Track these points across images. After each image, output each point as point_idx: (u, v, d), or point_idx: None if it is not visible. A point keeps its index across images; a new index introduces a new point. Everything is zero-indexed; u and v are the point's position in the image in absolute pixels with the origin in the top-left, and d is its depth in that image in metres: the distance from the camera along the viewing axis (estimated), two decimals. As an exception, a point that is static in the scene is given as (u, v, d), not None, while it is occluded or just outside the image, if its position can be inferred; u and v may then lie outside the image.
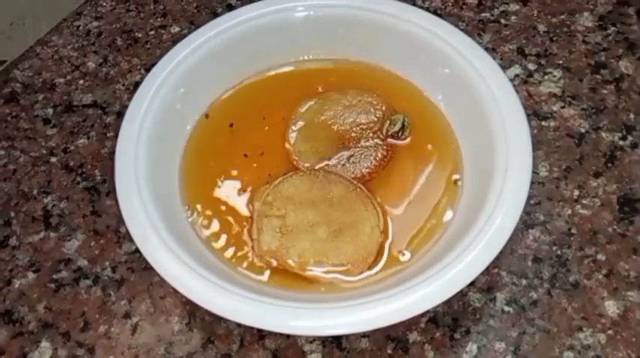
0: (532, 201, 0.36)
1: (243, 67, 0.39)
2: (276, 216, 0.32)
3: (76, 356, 0.32)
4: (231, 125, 0.37)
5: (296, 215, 0.32)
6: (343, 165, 0.35)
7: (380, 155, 0.35)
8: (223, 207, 0.34)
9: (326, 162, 0.35)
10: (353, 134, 0.36)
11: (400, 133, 0.36)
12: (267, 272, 0.32)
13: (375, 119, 0.36)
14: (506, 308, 0.32)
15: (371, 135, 0.36)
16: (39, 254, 0.36)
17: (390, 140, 0.36)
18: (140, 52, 0.44)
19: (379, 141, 0.36)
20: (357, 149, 0.36)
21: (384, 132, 0.36)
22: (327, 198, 0.33)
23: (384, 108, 0.37)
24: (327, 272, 0.31)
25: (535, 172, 0.37)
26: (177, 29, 0.45)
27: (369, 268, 0.32)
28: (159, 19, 0.46)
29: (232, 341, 0.32)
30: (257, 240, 0.32)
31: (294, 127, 0.37)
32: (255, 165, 0.36)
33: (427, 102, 0.37)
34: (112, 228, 0.36)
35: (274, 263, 0.32)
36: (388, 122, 0.36)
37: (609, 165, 0.37)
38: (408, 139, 0.36)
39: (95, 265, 0.35)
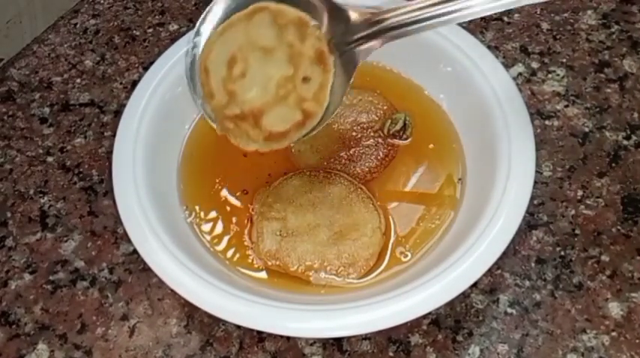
0: (535, 202, 0.35)
1: (243, 65, 0.38)
2: (276, 219, 0.32)
3: (73, 359, 0.32)
4: None
5: (296, 217, 0.32)
6: (344, 164, 0.35)
7: (381, 154, 0.35)
8: (222, 208, 0.34)
9: (326, 162, 0.35)
10: (353, 133, 0.36)
11: (401, 132, 0.35)
12: (267, 274, 0.32)
13: (376, 118, 0.36)
14: (509, 310, 0.32)
15: (372, 134, 0.36)
16: (35, 255, 0.35)
17: (391, 139, 0.36)
18: (138, 50, 0.43)
19: (380, 141, 0.35)
20: (358, 148, 0.35)
21: (385, 131, 0.36)
22: (328, 200, 0.33)
23: (385, 107, 0.36)
24: (328, 275, 0.31)
25: (538, 172, 0.36)
26: (175, 27, 0.45)
27: (371, 270, 0.31)
28: (157, 17, 0.45)
29: (231, 343, 0.32)
30: (257, 243, 0.32)
31: None
32: (254, 165, 0.35)
33: (429, 101, 0.37)
34: (110, 229, 0.36)
35: (274, 265, 0.31)
36: (389, 121, 0.36)
37: (613, 164, 0.37)
38: (410, 139, 0.36)
39: (92, 266, 0.35)
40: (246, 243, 0.33)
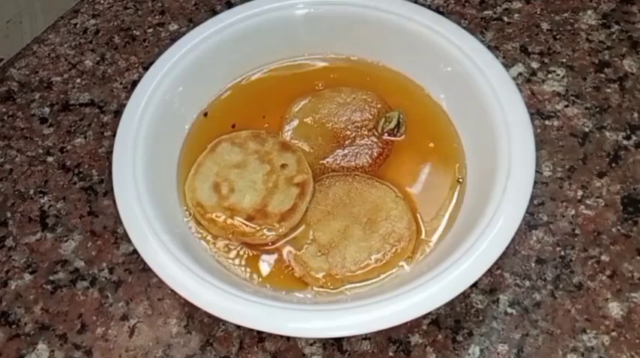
0: (535, 202, 0.35)
1: (242, 65, 0.38)
2: (308, 244, 0.32)
3: (73, 359, 0.32)
4: (233, 126, 0.37)
5: (323, 231, 0.32)
6: (338, 163, 0.35)
7: (375, 153, 0.35)
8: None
9: (321, 162, 0.35)
10: (348, 132, 0.36)
11: (396, 130, 0.35)
12: (266, 274, 0.32)
13: (370, 116, 0.36)
14: (509, 310, 0.32)
15: (366, 133, 0.36)
16: (35, 255, 0.35)
17: (385, 137, 0.36)
18: (138, 50, 0.43)
19: (374, 139, 0.35)
20: (353, 147, 0.35)
21: (380, 129, 0.36)
22: (337, 200, 0.33)
23: (379, 105, 0.36)
24: (387, 262, 0.31)
25: (538, 172, 0.36)
26: (175, 27, 0.45)
27: (419, 234, 0.32)
28: (157, 17, 0.45)
29: (231, 343, 0.32)
30: (308, 274, 0.31)
31: (288, 127, 0.36)
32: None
33: (429, 101, 0.37)
34: (110, 229, 0.36)
35: (337, 283, 0.31)
36: (383, 119, 0.36)
37: (613, 164, 0.37)
38: (404, 136, 0.36)
39: (92, 266, 0.35)
40: (245, 242, 0.33)
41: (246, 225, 0.32)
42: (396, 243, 0.31)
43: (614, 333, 0.31)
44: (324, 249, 0.31)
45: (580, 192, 0.36)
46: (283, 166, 0.34)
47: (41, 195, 0.38)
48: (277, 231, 0.32)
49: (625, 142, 0.37)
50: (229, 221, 0.32)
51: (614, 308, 0.32)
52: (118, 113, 0.40)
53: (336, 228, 0.32)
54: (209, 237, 0.33)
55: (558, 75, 0.40)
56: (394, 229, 0.31)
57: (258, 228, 0.32)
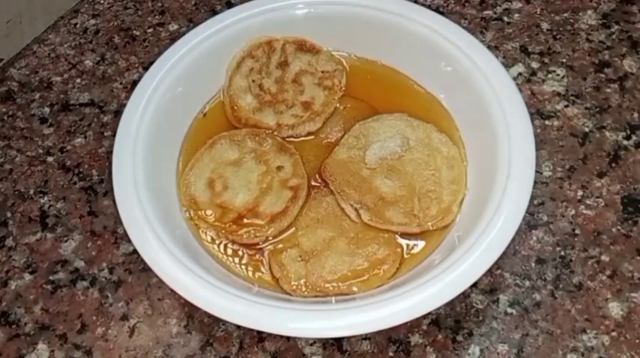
0: (535, 202, 0.35)
1: (243, 65, 0.38)
2: (290, 247, 0.32)
3: (73, 359, 0.32)
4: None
5: (308, 238, 0.32)
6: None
7: None
8: (222, 208, 0.34)
9: (317, 170, 0.34)
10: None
11: None
12: (267, 274, 0.32)
13: None
14: (509, 310, 0.32)
15: None
16: (35, 255, 0.35)
17: None
18: (138, 50, 0.43)
19: None
20: None
21: None
22: (329, 211, 0.33)
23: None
24: (365, 281, 0.30)
25: (538, 172, 0.36)
26: (175, 27, 0.45)
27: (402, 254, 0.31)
28: (157, 17, 0.45)
29: (231, 343, 0.32)
30: (284, 276, 0.31)
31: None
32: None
33: (429, 100, 0.37)
34: (110, 229, 0.36)
35: (312, 291, 0.30)
36: None
37: (613, 164, 0.37)
38: None
39: (92, 266, 0.35)
40: (245, 243, 0.33)
41: (235, 225, 0.32)
42: (378, 265, 0.31)
43: (614, 333, 0.31)
44: (305, 255, 0.31)
45: (580, 192, 0.36)
46: (279, 168, 0.33)
47: (41, 195, 0.38)
48: (266, 233, 0.32)
49: (625, 142, 0.37)
50: (218, 217, 0.32)
51: (614, 308, 0.32)
52: (118, 113, 0.40)
53: (321, 237, 0.32)
54: (209, 238, 0.33)
55: (558, 75, 0.40)
56: (379, 250, 0.31)
57: (247, 230, 0.32)
